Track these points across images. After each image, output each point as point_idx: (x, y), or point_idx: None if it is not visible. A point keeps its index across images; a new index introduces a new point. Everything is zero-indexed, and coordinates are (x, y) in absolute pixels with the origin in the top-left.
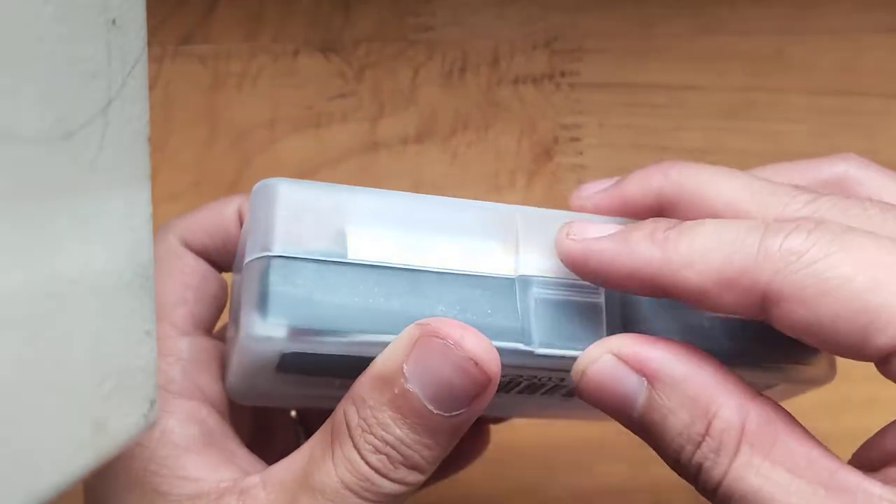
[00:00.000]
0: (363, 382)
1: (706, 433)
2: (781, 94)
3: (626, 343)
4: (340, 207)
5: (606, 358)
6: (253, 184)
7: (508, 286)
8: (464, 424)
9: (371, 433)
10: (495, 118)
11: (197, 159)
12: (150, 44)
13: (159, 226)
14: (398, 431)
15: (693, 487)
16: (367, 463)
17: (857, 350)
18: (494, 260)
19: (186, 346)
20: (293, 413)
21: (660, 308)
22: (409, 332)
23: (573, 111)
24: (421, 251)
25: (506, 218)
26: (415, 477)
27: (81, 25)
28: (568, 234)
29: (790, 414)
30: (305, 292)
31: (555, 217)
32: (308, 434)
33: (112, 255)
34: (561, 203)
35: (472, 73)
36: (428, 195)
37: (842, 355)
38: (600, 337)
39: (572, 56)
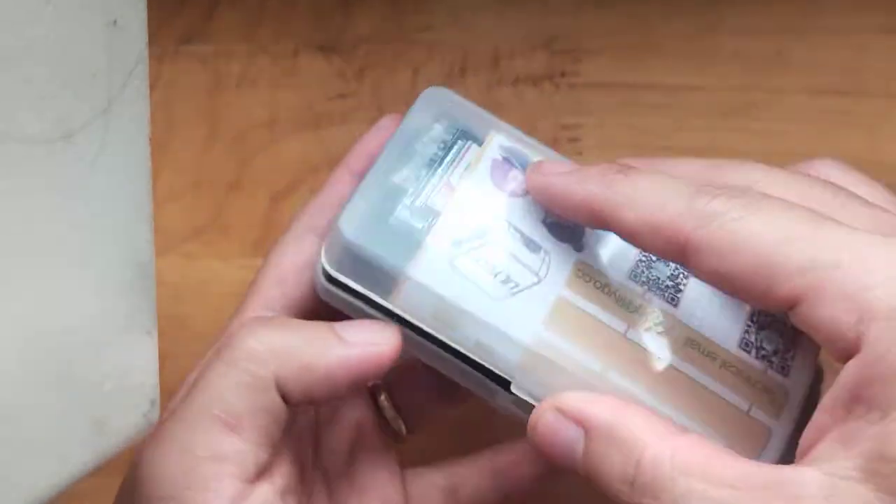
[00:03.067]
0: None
1: (636, 471)
2: (782, 94)
3: (569, 399)
4: None
5: (550, 413)
6: (253, 184)
7: None
8: None
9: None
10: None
11: (197, 159)
12: (150, 44)
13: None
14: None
15: None
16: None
17: (764, 298)
18: None
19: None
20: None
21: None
22: None
23: (573, 111)
24: None
25: None
26: None
27: (82, 26)
28: (535, 170)
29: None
30: None
31: None
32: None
33: (113, 255)
34: None
35: (471, 74)
36: None
37: (752, 304)
38: None
39: (572, 56)
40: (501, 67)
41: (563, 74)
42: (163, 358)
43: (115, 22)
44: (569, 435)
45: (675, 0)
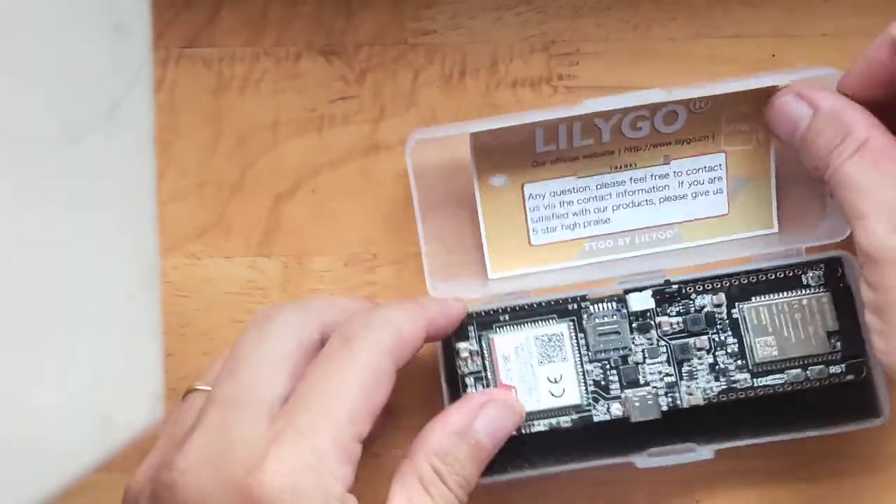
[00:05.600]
0: (442, 437)
1: (840, 143)
2: None
3: (804, 88)
4: None
5: (790, 95)
6: (256, 185)
7: None
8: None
9: (457, 474)
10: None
11: (201, 161)
12: (154, 47)
13: (371, 331)
14: (469, 468)
15: None
16: (456, 495)
17: None
18: None
19: (356, 453)
20: None
21: None
22: (475, 399)
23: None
24: None
25: None
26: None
27: (87, 30)
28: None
29: None
30: None
31: None
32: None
33: (118, 255)
34: None
35: (471, 76)
36: None
37: None
38: None
39: (569, 60)
40: (500, 70)
41: (560, 77)
42: (167, 355)
43: (119, 26)
44: (800, 111)
45: (670, 5)
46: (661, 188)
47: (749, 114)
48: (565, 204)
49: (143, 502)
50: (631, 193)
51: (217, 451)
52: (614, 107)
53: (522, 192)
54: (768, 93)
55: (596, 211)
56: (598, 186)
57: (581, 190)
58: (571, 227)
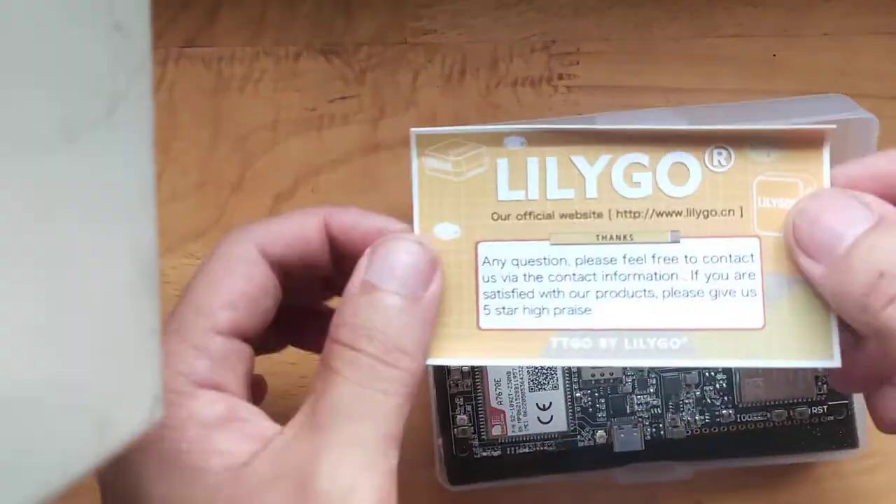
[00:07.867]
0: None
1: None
2: (776, 96)
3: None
4: None
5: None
6: (256, 185)
7: None
8: (430, 310)
9: (356, 333)
10: (494, 119)
11: (201, 160)
12: (154, 46)
13: (239, 228)
14: (377, 317)
15: None
16: (367, 353)
17: None
18: None
19: (218, 346)
20: None
21: None
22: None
23: (570, 113)
24: None
25: None
26: (406, 363)
27: (86, 29)
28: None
29: None
30: None
31: None
32: None
33: (117, 255)
34: None
35: (471, 76)
36: None
37: None
38: None
39: (569, 59)
40: (500, 70)
41: (560, 77)
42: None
43: (118, 25)
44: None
45: (671, 4)
46: (666, 276)
47: (792, 180)
48: (531, 279)
49: None
50: (623, 278)
51: None
52: (614, 123)
53: (476, 252)
54: (812, 138)
55: (572, 295)
56: (579, 261)
57: (554, 262)
58: (537, 312)
